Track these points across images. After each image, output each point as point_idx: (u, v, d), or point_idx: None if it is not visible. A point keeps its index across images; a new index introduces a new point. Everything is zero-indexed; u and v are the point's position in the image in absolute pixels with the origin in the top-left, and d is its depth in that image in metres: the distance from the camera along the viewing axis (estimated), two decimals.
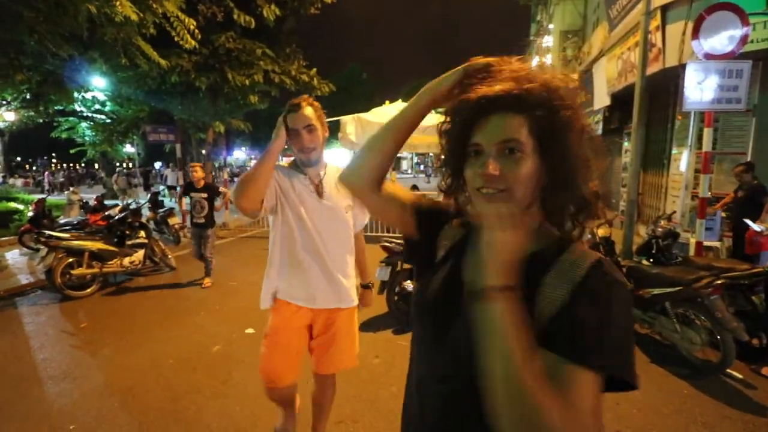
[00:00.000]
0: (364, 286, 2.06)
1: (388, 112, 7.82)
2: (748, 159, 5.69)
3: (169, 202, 11.66)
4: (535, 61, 19.38)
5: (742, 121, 6.07)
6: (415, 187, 10.08)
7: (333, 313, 1.81)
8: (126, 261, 5.46)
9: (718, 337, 2.93)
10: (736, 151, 6.17)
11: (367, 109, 8.23)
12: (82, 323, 4.27)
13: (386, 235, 7.99)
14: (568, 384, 0.53)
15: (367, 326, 3.92)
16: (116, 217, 5.97)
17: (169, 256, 6.09)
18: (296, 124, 1.66)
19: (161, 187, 16.64)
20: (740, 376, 2.99)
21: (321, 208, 1.75)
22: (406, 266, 4.12)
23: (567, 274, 0.62)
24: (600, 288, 0.60)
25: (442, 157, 0.76)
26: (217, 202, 5.56)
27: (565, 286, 0.61)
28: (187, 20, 6.54)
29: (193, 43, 6.69)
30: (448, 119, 0.73)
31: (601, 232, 4.13)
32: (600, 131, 9.62)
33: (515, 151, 0.64)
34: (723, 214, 5.75)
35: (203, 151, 11.95)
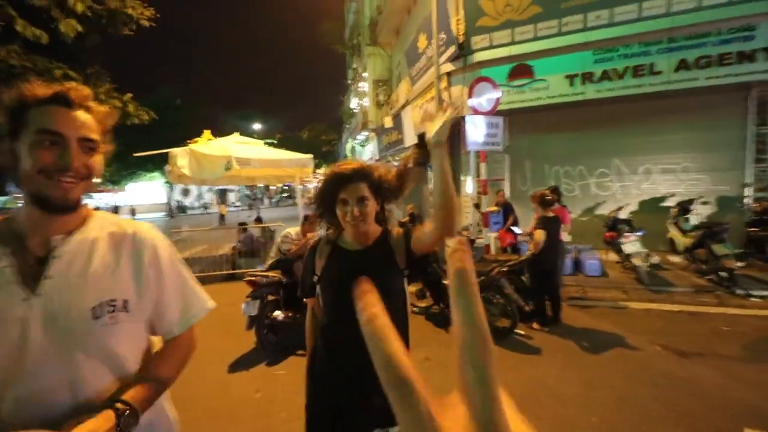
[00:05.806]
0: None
1: (224, 145, 7.63)
2: (507, 183, 8.07)
3: None
4: (354, 103, 21.67)
5: (501, 157, 8.59)
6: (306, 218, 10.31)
7: None
8: None
9: (509, 308, 4.19)
10: (498, 177, 8.68)
11: (182, 138, 7.79)
12: None
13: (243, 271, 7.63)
14: None
15: (240, 364, 3.86)
16: None
17: None
18: (58, 125, 0.85)
19: None
20: (523, 332, 4.33)
21: (29, 314, 0.80)
22: (272, 297, 4.26)
23: (396, 242, 1.47)
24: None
25: (320, 202, 1.49)
26: None
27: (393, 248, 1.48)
28: None
29: None
30: (325, 184, 1.45)
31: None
32: (411, 164, 11.67)
33: (365, 200, 1.39)
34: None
35: None
